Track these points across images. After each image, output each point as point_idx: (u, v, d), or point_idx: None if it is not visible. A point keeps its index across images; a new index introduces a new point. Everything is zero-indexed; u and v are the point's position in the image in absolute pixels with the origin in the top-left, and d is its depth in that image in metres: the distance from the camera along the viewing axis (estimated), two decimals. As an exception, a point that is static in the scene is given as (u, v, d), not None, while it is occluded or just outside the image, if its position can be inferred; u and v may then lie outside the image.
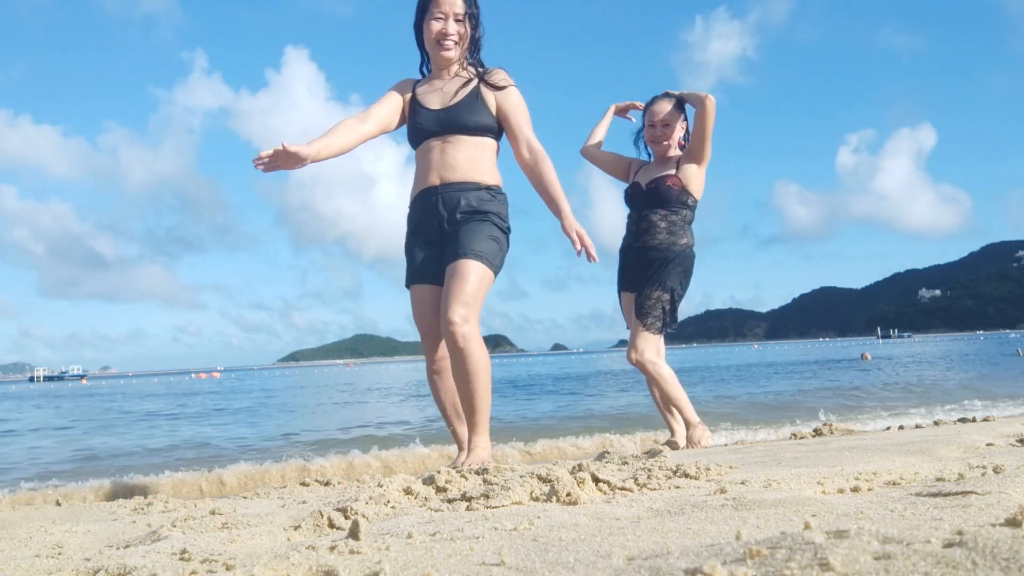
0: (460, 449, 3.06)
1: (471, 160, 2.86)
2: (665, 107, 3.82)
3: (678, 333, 4.04)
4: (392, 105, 2.98)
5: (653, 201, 3.73)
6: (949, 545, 0.87)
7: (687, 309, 3.90)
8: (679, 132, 3.84)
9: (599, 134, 4.02)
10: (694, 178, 3.75)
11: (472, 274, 2.72)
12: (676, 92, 3.84)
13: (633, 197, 3.84)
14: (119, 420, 11.16)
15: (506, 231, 2.90)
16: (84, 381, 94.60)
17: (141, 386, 35.55)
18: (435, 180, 2.85)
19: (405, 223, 3.03)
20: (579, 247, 2.78)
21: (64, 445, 7.62)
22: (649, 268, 3.71)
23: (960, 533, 0.90)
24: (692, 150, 3.74)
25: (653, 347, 3.69)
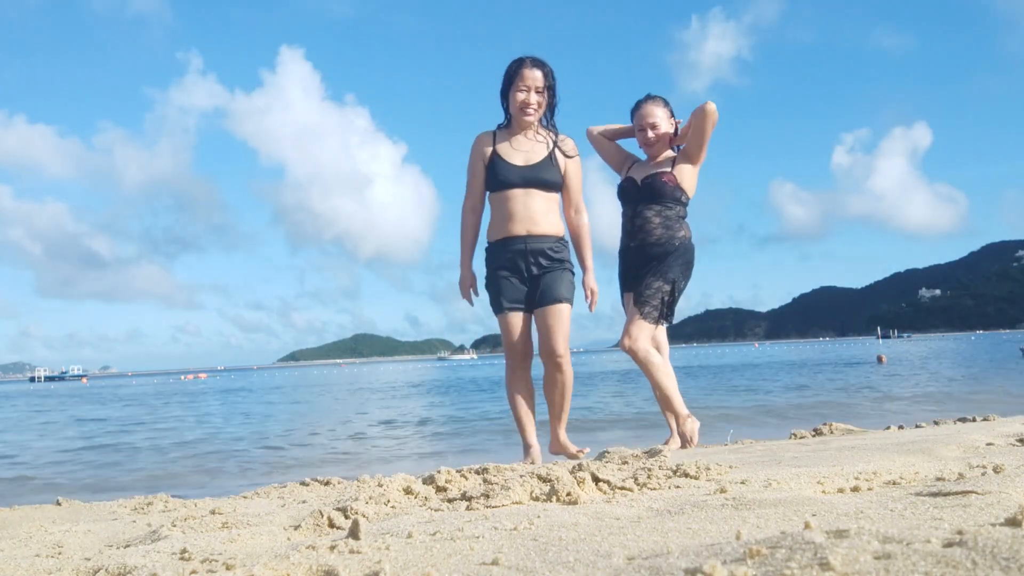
0: (528, 447, 3.55)
1: (545, 214, 3.51)
2: (652, 109, 3.82)
3: (678, 332, 4.05)
4: (483, 173, 3.56)
5: (647, 196, 3.74)
6: (949, 545, 0.87)
7: (687, 308, 3.88)
8: (668, 130, 3.84)
9: (612, 130, 4.00)
10: (688, 177, 3.76)
11: (565, 315, 3.49)
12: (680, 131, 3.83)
13: (627, 193, 3.84)
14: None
15: (574, 271, 3.64)
16: (84, 381, 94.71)
17: (130, 387, 35.48)
18: (521, 231, 3.47)
19: (489, 259, 3.58)
20: (588, 299, 3.63)
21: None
22: (651, 263, 3.72)
23: (960, 533, 0.90)
24: (689, 151, 3.74)
25: (647, 335, 3.68)
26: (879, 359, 21.30)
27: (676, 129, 3.87)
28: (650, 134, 3.79)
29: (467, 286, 3.63)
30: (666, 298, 3.69)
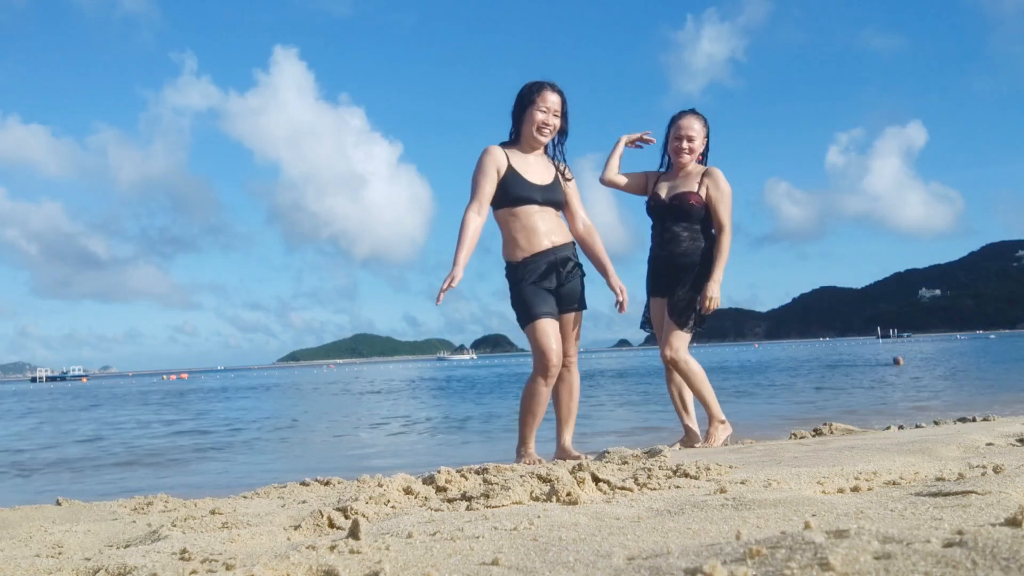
0: (528, 452, 3.64)
1: (560, 226, 3.72)
2: (692, 123, 3.95)
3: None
4: (495, 183, 3.61)
5: (676, 215, 3.87)
6: (949, 545, 0.87)
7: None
8: (702, 148, 3.98)
9: (614, 164, 4.15)
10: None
11: (580, 320, 3.73)
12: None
13: (656, 210, 3.97)
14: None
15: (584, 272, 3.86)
16: (84, 380, 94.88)
17: (116, 387, 35.48)
18: (547, 244, 3.62)
19: (525, 270, 3.63)
20: (621, 298, 3.74)
21: None
22: (680, 273, 3.86)
23: (960, 533, 0.90)
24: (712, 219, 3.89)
25: (685, 344, 3.87)
26: (896, 361, 19.85)
27: (707, 146, 4.03)
28: (685, 144, 3.92)
29: (454, 281, 3.44)
30: (697, 307, 3.84)
